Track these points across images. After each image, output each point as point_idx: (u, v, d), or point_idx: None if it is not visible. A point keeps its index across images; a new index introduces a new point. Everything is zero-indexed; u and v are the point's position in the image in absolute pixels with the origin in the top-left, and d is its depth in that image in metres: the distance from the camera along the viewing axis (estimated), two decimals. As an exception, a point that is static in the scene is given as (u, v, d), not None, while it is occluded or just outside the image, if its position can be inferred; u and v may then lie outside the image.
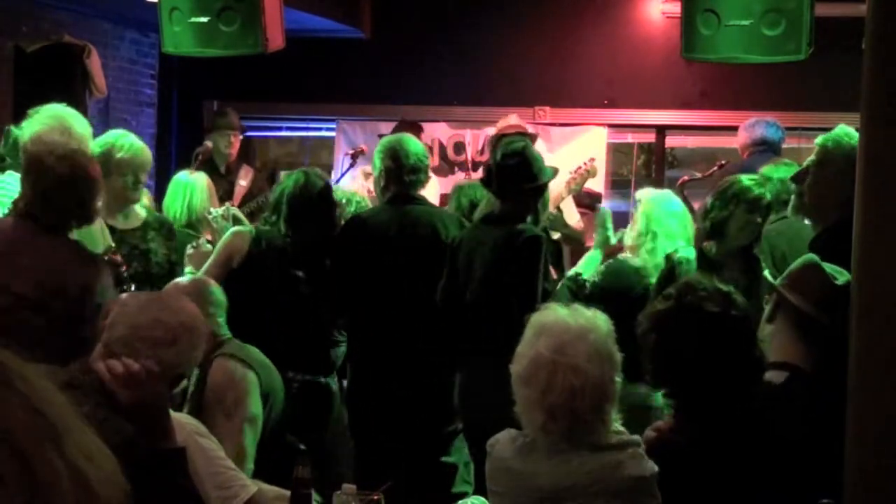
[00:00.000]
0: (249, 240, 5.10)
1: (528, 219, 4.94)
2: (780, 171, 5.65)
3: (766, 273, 3.70)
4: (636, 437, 2.86)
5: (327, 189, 5.23)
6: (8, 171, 5.03)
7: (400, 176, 5.14)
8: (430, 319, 5.02)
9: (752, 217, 4.74)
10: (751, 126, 6.88)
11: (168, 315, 2.85)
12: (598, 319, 2.82)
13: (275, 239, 5.10)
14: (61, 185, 4.08)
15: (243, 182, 7.60)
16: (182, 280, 4.61)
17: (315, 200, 5.11)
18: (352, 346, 5.20)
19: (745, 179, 4.89)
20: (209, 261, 5.12)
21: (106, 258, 4.49)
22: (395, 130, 7.77)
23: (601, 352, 2.76)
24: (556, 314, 2.83)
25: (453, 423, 5.08)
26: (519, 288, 4.71)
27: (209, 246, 5.50)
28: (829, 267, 3.46)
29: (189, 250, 5.38)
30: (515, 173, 4.87)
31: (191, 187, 5.94)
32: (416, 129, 7.75)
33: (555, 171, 5.07)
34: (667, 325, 3.08)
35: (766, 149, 6.78)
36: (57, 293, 4.01)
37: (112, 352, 2.76)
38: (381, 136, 7.93)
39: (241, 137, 7.84)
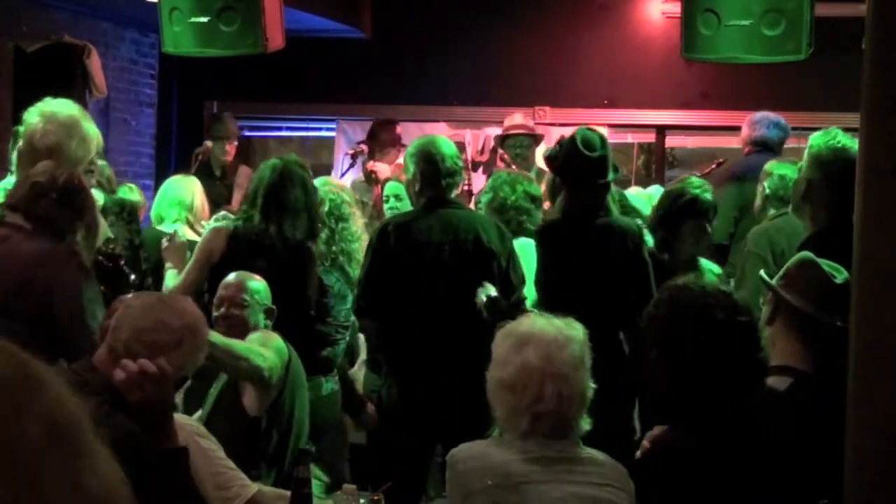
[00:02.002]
0: (226, 236, 4.96)
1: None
2: (782, 168, 5.67)
3: (762, 273, 3.69)
4: None
5: (307, 178, 5.08)
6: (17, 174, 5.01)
7: (437, 179, 5.01)
8: (471, 324, 4.88)
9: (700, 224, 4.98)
10: (754, 123, 6.86)
11: (172, 317, 2.86)
12: (575, 328, 2.91)
13: (251, 234, 4.94)
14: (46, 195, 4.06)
15: (239, 191, 7.53)
16: (230, 276, 4.57)
17: (293, 190, 4.97)
18: (389, 349, 5.10)
19: (692, 189, 5.09)
20: (189, 263, 5.03)
21: (108, 249, 4.46)
22: (372, 128, 7.82)
23: (583, 360, 2.87)
24: (536, 323, 2.91)
25: (491, 427, 5.05)
26: (640, 286, 4.68)
27: (184, 236, 5.45)
28: (825, 264, 3.45)
29: (164, 244, 5.29)
30: (596, 167, 4.74)
31: (167, 191, 5.98)
32: (392, 126, 7.78)
33: (616, 170, 4.96)
34: (672, 331, 3.08)
35: (763, 149, 6.79)
36: (18, 293, 3.94)
37: (117, 354, 2.77)
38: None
39: (235, 143, 7.81)
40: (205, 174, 7.03)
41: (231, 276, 4.55)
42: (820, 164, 4.19)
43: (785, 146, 8.31)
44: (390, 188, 6.43)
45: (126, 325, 2.83)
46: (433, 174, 5.01)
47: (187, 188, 6.22)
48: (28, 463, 1.01)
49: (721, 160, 7.20)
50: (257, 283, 4.52)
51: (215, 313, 4.39)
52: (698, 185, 5.19)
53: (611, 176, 4.84)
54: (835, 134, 4.23)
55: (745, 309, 3.12)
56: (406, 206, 5.78)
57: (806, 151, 4.31)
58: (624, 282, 4.74)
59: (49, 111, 4.60)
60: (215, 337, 3.94)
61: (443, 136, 5.58)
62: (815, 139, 4.27)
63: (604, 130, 8.32)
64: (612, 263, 4.75)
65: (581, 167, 4.74)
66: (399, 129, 7.93)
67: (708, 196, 5.13)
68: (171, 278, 5.15)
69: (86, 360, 2.82)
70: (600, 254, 4.77)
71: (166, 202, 6.16)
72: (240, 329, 4.39)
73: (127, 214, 5.14)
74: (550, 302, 4.73)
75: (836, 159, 4.10)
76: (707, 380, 3.03)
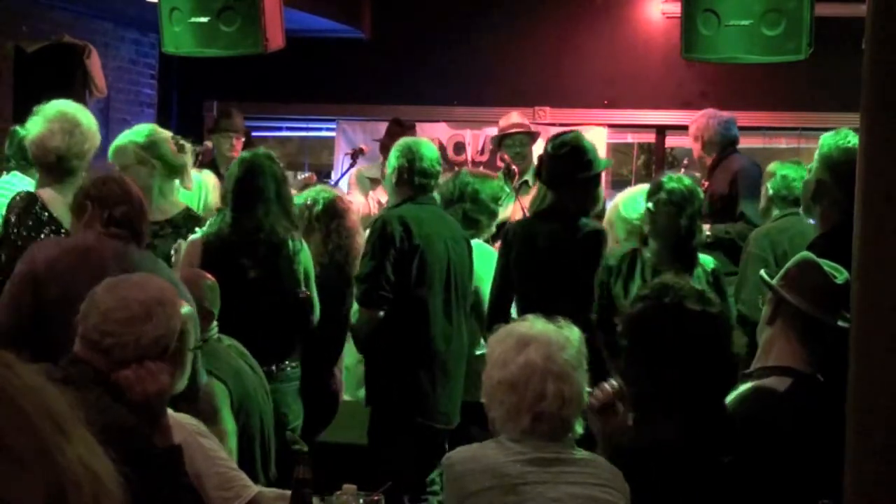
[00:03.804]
0: (200, 246, 4.82)
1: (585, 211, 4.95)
2: (784, 169, 5.68)
3: (763, 272, 3.70)
4: None
5: (276, 168, 4.99)
6: (13, 172, 5.02)
7: (412, 177, 5.15)
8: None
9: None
10: (726, 123, 6.83)
11: (136, 292, 2.84)
12: (572, 330, 2.93)
13: (227, 234, 4.84)
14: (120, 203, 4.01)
15: None
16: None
17: (261, 180, 4.89)
18: (398, 340, 5.15)
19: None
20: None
21: None
22: (388, 129, 7.82)
23: (581, 362, 2.89)
24: (535, 325, 2.93)
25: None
26: (577, 283, 4.73)
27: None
28: (826, 264, 3.45)
29: (172, 258, 5.20)
30: (567, 163, 4.81)
31: (204, 186, 5.90)
32: (409, 129, 7.78)
33: (609, 161, 5.04)
34: (648, 324, 3.11)
35: (735, 149, 6.82)
36: None
37: (90, 340, 2.77)
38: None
39: (243, 139, 7.81)
40: (210, 172, 7.00)
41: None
42: (830, 165, 4.20)
43: (786, 146, 8.34)
44: None
45: (93, 312, 2.81)
46: (409, 171, 5.15)
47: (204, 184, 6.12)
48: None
49: (685, 160, 7.21)
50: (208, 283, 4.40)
51: None
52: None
53: (599, 167, 4.90)
54: (845, 134, 4.23)
55: (715, 302, 3.16)
56: None
57: (817, 151, 4.33)
58: (585, 281, 4.78)
59: (40, 109, 4.67)
60: None
61: (429, 141, 5.65)
62: (826, 139, 4.28)
63: (604, 130, 8.39)
64: (575, 262, 4.79)
65: (551, 166, 4.84)
66: (416, 129, 7.93)
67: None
68: None
69: (71, 355, 2.81)
70: (565, 252, 4.81)
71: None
72: None
73: (192, 226, 5.07)
74: (521, 301, 4.83)
75: (846, 159, 4.10)
76: (682, 370, 3.04)
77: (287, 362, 4.90)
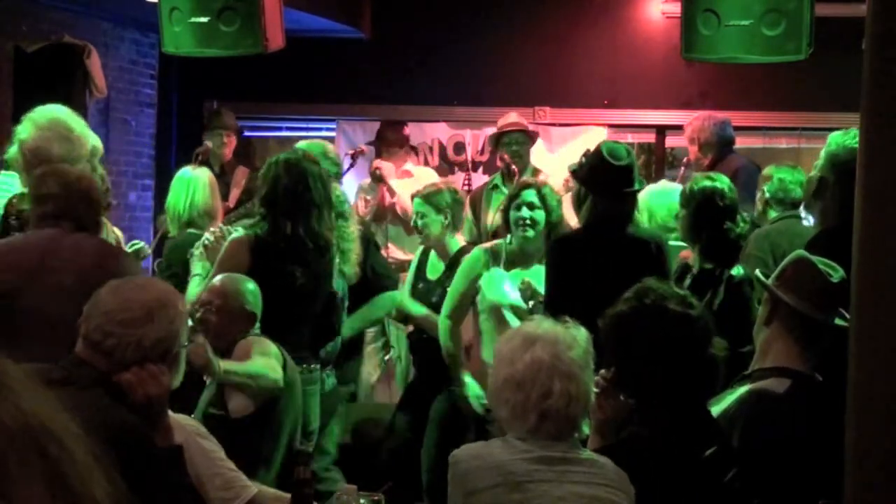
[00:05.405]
0: (248, 247, 4.79)
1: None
2: (781, 172, 5.69)
3: (758, 272, 3.70)
4: None
5: (321, 171, 4.98)
6: (9, 173, 5.01)
7: None
8: None
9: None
10: (722, 124, 6.86)
11: (138, 294, 2.85)
12: (579, 330, 2.94)
13: (277, 240, 4.81)
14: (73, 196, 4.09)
15: (236, 189, 7.50)
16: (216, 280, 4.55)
17: (315, 188, 4.87)
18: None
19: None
20: (212, 275, 4.82)
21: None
22: (380, 128, 7.88)
23: (588, 363, 2.89)
24: (542, 324, 2.94)
25: None
26: None
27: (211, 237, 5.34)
28: (820, 262, 3.45)
29: (205, 246, 5.19)
30: (625, 175, 4.73)
31: (193, 183, 5.87)
32: (400, 126, 7.84)
33: (643, 182, 5.02)
34: (629, 324, 3.12)
35: (732, 149, 6.82)
36: (89, 281, 3.91)
37: (92, 341, 2.77)
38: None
39: (234, 137, 7.80)
40: (206, 169, 7.00)
41: (217, 279, 4.52)
42: (835, 163, 4.22)
43: (786, 146, 8.33)
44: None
45: (95, 313, 2.82)
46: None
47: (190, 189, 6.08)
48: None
49: (686, 160, 7.20)
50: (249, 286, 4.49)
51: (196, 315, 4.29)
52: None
53: (637, 185, 4.82)
54: (854, 134, 4.24)
55: (696, 306, 3.16)
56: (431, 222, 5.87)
57: (824, 148, 4.35)
58: None
59: (34, 116, 4.68)
60: (231, 365, 4.15)
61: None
62: (834, 137, 4.30)
63: (604, 130, 8.38)
64: (635, 275, 4.72)
65: (606, 176, 4.73)
66: (406, 129, 8.00)
67: None
68: (196, 285, 5.06)
69: (73, 356, 2.82)
70: (623, 265, 4.73)
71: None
72: (213, 333, 4.30)
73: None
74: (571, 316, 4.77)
75: (850, 159, 4.11)
76: (660, 371, 3.05)
77: (314, 364, 4.96)
